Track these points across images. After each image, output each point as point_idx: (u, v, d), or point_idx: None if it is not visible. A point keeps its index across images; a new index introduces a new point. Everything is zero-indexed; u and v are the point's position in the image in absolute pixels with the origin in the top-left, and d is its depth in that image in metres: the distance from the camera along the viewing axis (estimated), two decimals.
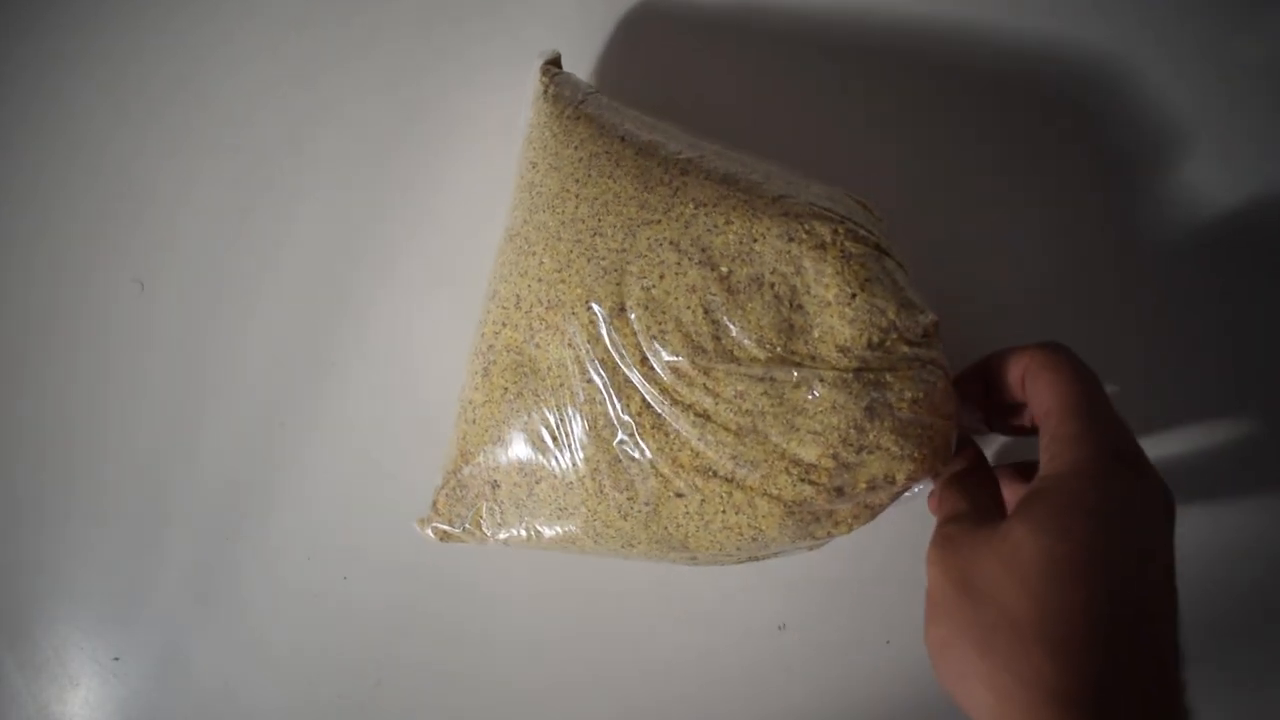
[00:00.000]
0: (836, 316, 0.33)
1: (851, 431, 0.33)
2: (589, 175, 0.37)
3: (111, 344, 0.48)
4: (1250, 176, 0.43)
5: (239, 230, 0.48)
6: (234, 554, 0.47)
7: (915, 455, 0.34)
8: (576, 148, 0.38)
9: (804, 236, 0.34)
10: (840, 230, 0.34)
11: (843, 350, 0.33)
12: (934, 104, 0.45)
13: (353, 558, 0.46)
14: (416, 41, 0.48)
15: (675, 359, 0.34)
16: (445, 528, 0.40)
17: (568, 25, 0.46)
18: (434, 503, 0.40)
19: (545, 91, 0.40)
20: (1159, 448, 0.44)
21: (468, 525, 0.39)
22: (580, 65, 0.46)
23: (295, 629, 0.46)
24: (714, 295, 0.34)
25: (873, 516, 0.35)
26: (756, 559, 0.37)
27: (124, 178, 0.49)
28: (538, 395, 0.36)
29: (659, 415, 0.34)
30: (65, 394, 0.48)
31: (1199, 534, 0.43)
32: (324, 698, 0.46)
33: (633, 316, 0.34)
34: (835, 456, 0.33)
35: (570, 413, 0.35)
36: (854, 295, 0.33)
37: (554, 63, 0.42)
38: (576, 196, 0.37)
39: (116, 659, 0.47)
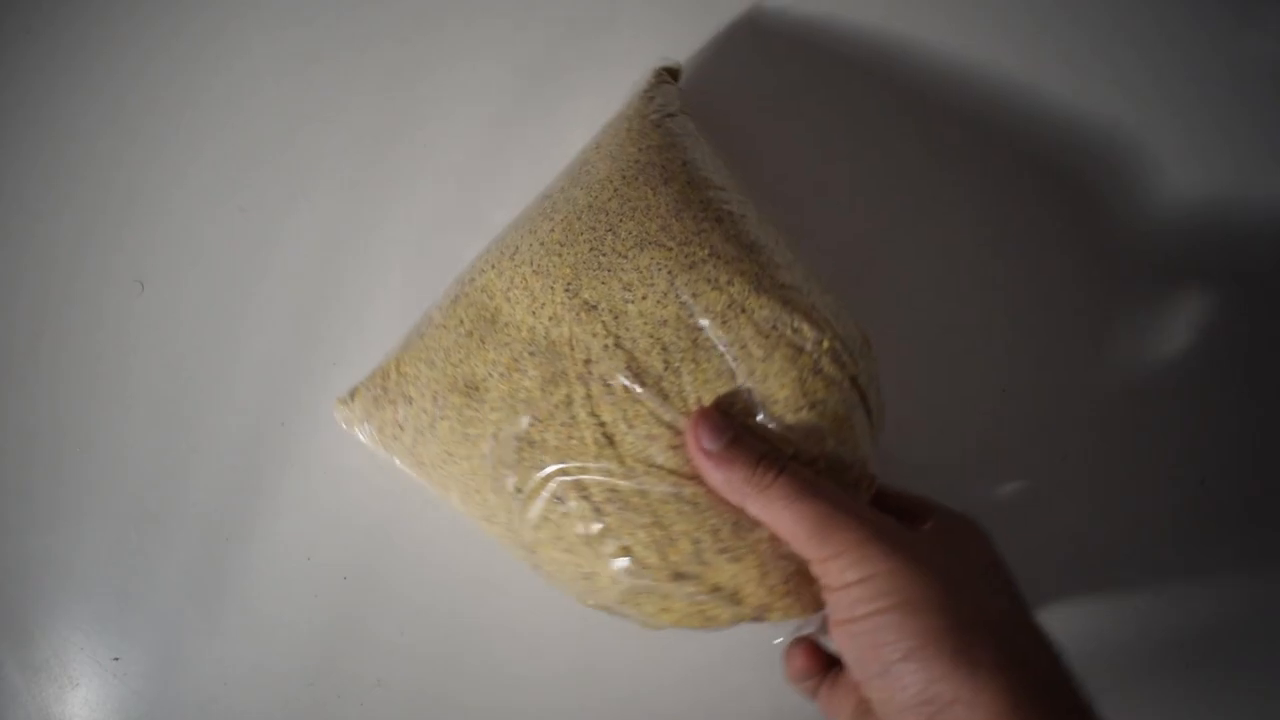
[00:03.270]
0: (773, 420, 0.33)
1: (726, 529, 0.32)
2: (636, 178, 0.37)
3: (111, 344, 0.48)
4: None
5: (239, 230, 0.48)
6: (234, 554, 0.47)
7: (775, 588, 0.32)
8: (640, 150, 0.38)
9: (788, 332, 0.33)
10: (824, 344, 0.33)
11: None
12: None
13: (353, 558, 0.46)
14: (419, 39, 0.48)
15: (614, 375, 0.33)
16: (354, 419, 0.40)
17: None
18: (354, 390, 0.40)
19: (646, 89, 0.42)
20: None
21: (371, 429, 0.39)
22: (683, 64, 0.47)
23: (295, 629, 0.46)
24: (679, 339, 0.33)
25: (704, 625, 0.34)
26: (585, 604, 0.36)
27: (124, 177, 0.49)
28: (484, 343, 0.36)
29: (572, 417, 0.34)
30: (65, 393, 0.48)
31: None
32: (324, 697, 0.46)
33: (600, 318, 0.34)
34: (696, 542, 0.32)
35: (502, 372, 0.35)
36: (801, 409, 0.32)
37: (672, 72, 0.43)
38: (615, 190, 0.37)
39: (116, 659, 0.47)
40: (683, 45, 0.47)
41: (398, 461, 0.40)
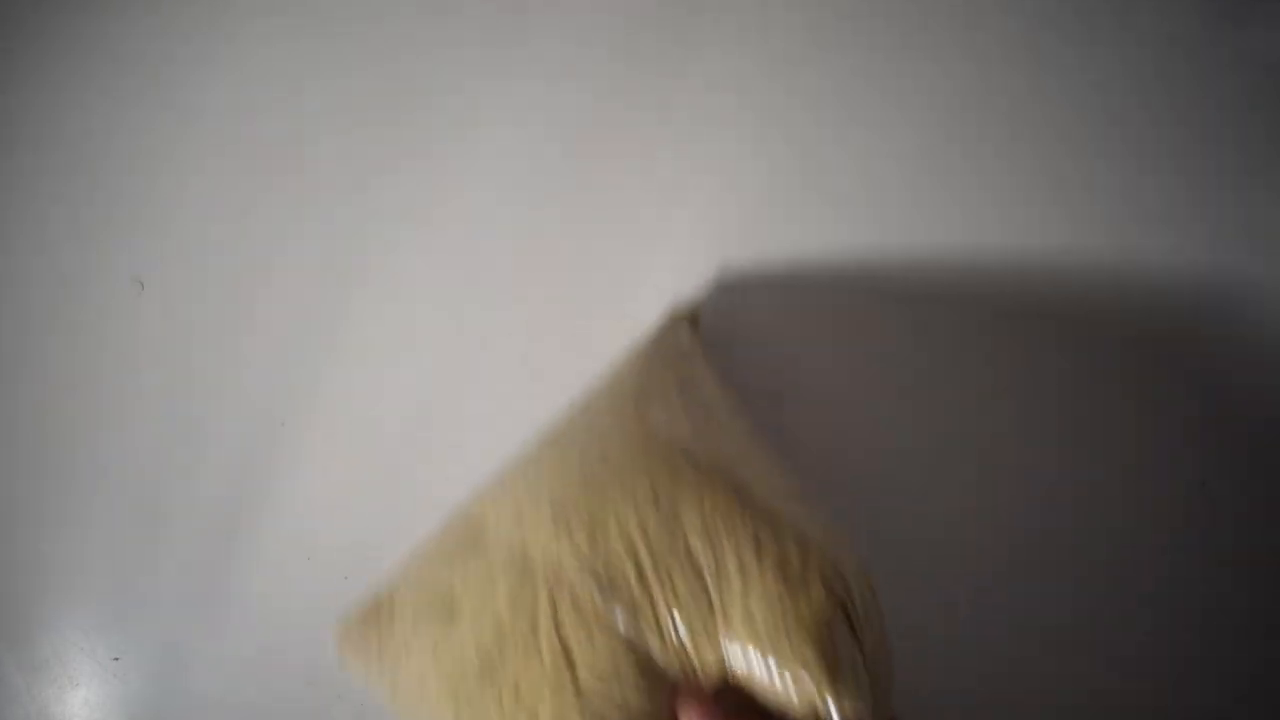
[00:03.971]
0: (751, 643, 0.29)
1: None
2: (630, 403, 0.36)
3: (112, 343, 0.48)
4: None
5: (239, 230, 0.48)
6: (234, 554, 0.47)
7: None
8: (637, 376, 0.38)
9: (772, 550, 0.30)
10: (812, 563, 0.30)
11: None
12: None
13: (353, 558, 0.46)
14: (421, 40, 0.48)
15: (581, 586, 0.31)
16: (347, 645, 0.38)
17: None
18: (349, 617, 0.38)
19: (660, 327, 0.42)
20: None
21: (360, 649, 0.37)
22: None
23: (295, 629, 0.46)
24: (657, 551, 0.31)
25: None
26: None
27: (124, 177, 0.49)
28: (465, 559, 0.34)
29: (533, 627, 0.31)
30: (65, 393, 0.48)
31: None
32: (324, 697, 0.46)
33: (576, 531, 0.32)
34: None
35: (476, 588, 0.33)
36: (783, 630, 0.29)
37: (691, 317, 0.44)
38: (609, 412, 0.37)
39: (116, 659, 0.47)
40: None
41: (373, 679, 0.37)
